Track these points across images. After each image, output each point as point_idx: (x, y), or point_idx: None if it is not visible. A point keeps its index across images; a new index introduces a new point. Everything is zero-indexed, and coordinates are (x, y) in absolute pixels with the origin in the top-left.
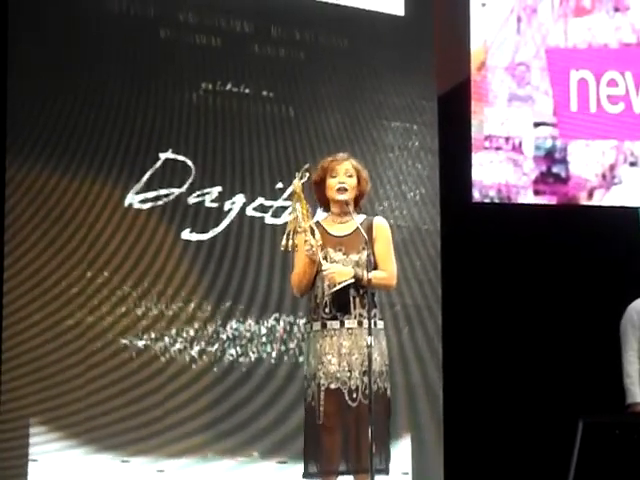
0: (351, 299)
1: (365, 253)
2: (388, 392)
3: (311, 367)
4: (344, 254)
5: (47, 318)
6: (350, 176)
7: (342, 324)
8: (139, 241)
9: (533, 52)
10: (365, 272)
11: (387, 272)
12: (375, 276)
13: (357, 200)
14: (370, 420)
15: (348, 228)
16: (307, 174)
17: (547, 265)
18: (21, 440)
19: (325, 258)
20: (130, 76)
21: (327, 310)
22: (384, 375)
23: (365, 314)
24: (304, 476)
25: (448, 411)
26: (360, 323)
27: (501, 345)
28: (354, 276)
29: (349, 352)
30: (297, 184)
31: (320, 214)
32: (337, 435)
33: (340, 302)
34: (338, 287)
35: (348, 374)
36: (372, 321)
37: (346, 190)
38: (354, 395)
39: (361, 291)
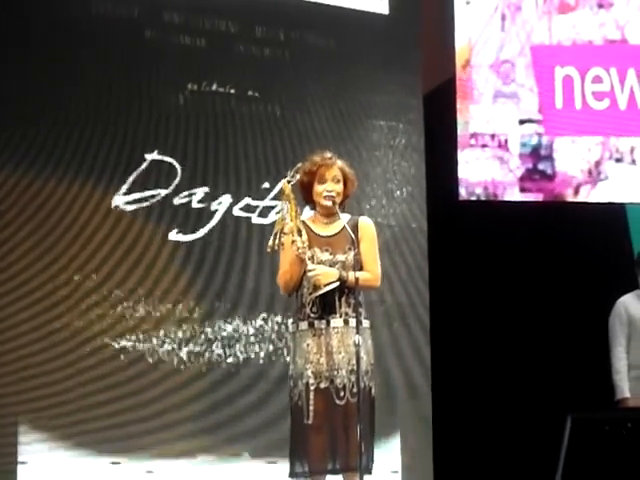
0: (337, 298)
1: (351, 253)
2: (373, 391)
3: (297, 367)
4: (331, 254)
5: (34, 318)
6: (338, 181)
7: (328, 323)
8: (126, 242)
9: (518, 49)
10: (351, 273)
11: (372, 273)
12: (360, 277)
13: (342, 201)
14: (358, 419)
15: (334, 228)
16: (297, 175)
17: (534, 262)
18: (10, 442)
19: (312, 258)
20: (115, 77)
21: (314, 309)
22: (370, 374)
23: (351, 313)
24: (290, 476)
25: (437, 409)
26: (346, 322)
27: (489, 342)
28: (339, 278)
29: (336, 351)
30: (286, 184)
31: (306, 212)
32: (324, 434)
33: (326, 301)
34: (324, 290)
35: (335, 373)
36: (358, 320)
37: (333, 197)
38: (341, 394)
39: (346, 291)
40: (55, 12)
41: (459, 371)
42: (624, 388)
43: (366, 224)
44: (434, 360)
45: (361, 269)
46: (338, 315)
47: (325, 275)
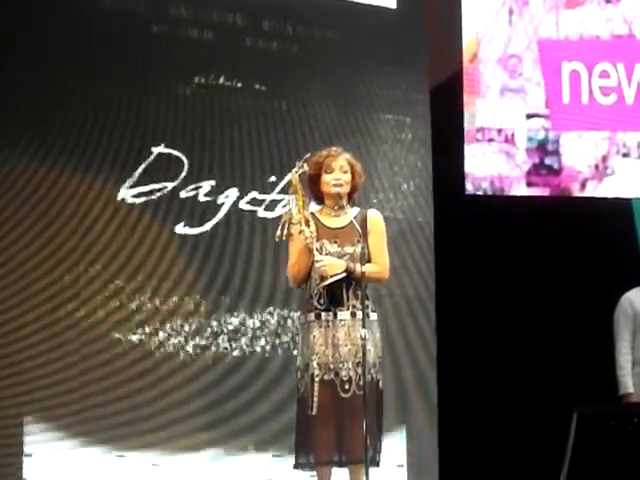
0: (344, 291)
1: (360, 246)
2: (380, 383)
3: (304, 358)
4: (339, 246)
5: (40, 312)
6: (345, 172)
7: (335, 315)
8: (132, 235)
9: (525, 44)
10: (358, 265)
11: (380, 265)
12: (368, 269)
13: (350, 194)
14: (365, 412)
15: (343, 221)
16: (305, 165)
17: (540, 256)
18: (15, 435)
19: (320, 250)
20: (122, 70)
21: (321, 301)
22: (377, 367)
23: (358, 305)
24: (295, 467)
25: (442, 403)
26: (353, 314)
27: (495, 336)
28: (346, 269)
29: (342, 343)
30: (294, 175)
31: (313, 206)
32: (330, 426)
33: (333, 293)
34: (330, 280)
35: (340, 365)
36: (365, 313)
37: (341, 185)
38: (346, 386)
39: (354, 283)
40: (61, 6)
41: (466, 365)
42: (628, 383)
43: (375, 217)
44: (441, 353)
45: (369, 261)
46: (345, 307)
47: (332, 266)
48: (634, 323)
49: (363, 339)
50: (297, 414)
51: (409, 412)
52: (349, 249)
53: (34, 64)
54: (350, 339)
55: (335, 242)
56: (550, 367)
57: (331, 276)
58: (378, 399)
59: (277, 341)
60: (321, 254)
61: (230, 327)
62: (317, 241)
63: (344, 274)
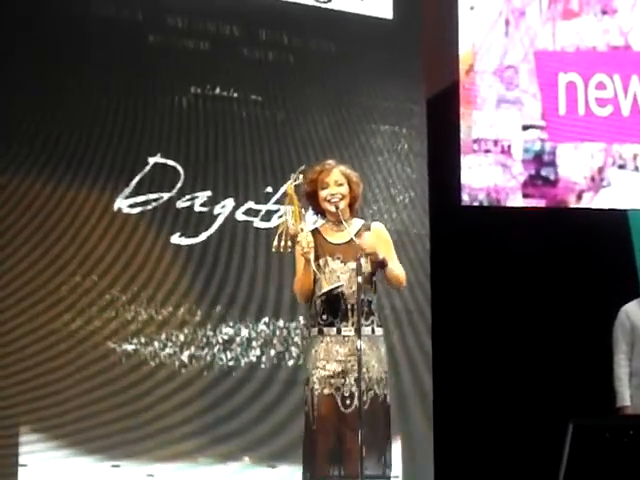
0: (348, 306)
1: (362, 260)
2: (387, 399)
3: (307, 372)
4: (342, 262)
5: (36, 321)
6: (341, 185)
7: (339, 331)
8: (128, 246)
9: (521, 55)
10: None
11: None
12: (395, 267)
13: (351, 204)
14: (360, 424)
15: (345, 236)
16: (301, 176)
17: (536, 268)
18: (11, 445)
19: (324, 266)
20: (118, 80)
21: (324, 317)
22: (383, 382)
23: (363, 321)
24: None
25: (438, 414)
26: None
27: (491, 348)
28: (382, 260)
29: (345, 359)
30: (290, 187)
31: (311, 219)
32: (330, 440)
33: (338, 309)
34: (327, 288)
35: (342, 380)
36: (370, 328)
37: (339, 200)
38: (347, 402)
39: (356, 298)
40: (58, 16)
41: (461, 377)
42: (624, 395)
43: (379, 229)
44: (436, 366)
45: (373, 274)
46: (350, 323)
47: (371, 247)
48: (631, 335)
49: (359, 350)
50: (304, 428)
51: (405, 423)
52: (352, 265)
53: (30, 74)
54: (353, 354)
55: (338, 258)
56: (547, 378)
57: (327, 291)
58: (385, 415)
59: (272, 352)
60: (324, 271)
61: (226, 337)
62: (320, 257)
63: (342, 285)
